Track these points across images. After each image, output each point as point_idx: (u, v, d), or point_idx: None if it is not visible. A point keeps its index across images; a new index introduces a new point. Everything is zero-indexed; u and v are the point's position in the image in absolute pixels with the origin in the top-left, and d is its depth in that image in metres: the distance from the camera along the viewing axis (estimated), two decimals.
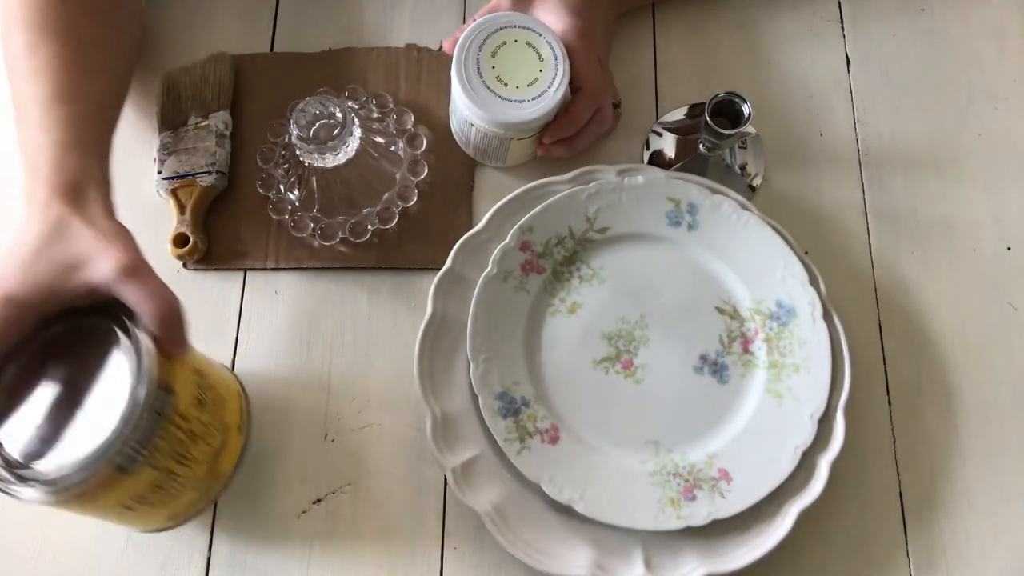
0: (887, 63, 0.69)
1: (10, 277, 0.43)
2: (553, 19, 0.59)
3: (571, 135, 0.60)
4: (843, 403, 0.56)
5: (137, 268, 0.44)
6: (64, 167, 0.47)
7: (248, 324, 0.61)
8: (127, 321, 0.44)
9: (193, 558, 0.55)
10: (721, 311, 0.60)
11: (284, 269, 0.62)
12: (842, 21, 0.70)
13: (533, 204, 0.60)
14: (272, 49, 0.69)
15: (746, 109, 0.58)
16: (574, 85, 0.58)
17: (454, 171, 0.64)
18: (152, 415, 0.43)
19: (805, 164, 0.66)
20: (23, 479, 0.41)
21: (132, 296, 0.44)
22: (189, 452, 0.47)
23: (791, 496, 0.55)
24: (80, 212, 0.46)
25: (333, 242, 0.61)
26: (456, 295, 0.59)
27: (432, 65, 0.67)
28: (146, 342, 0.43)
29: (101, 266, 0.43)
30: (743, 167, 0.65)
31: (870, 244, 0.64)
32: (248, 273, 0.62)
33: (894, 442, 0.59)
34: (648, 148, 0.65)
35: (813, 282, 0.59)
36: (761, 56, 0.69)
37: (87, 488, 0.42)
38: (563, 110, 0.58)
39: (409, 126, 0.65)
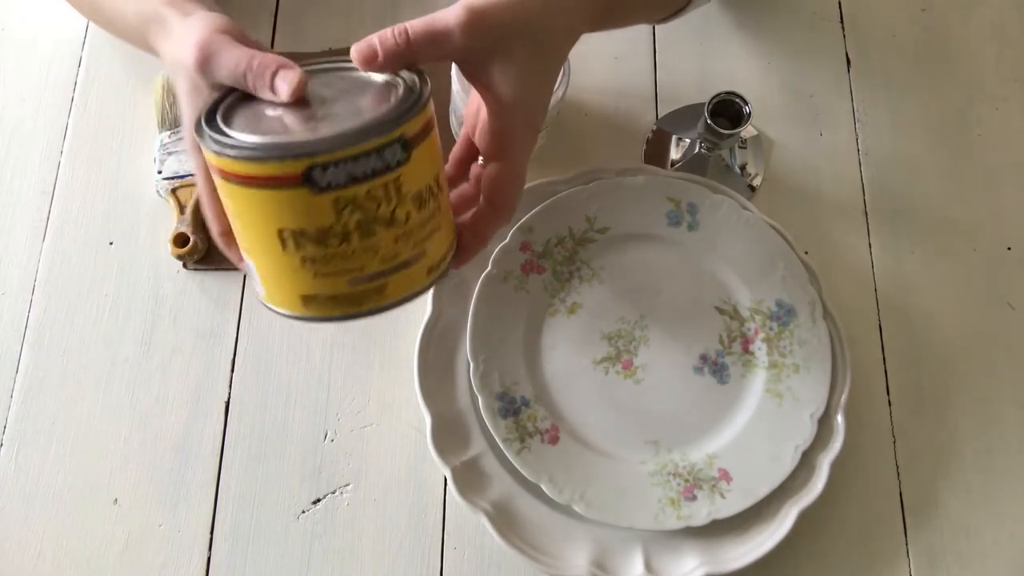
0: (887, 63, 0.69)
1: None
2: (507, 88, 0.46)
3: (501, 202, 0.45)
4: (843, 403, 0.56)
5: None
6: None
7: (248, 324, 0.61)
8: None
9: (193, 558, 0.55)
10: (721, 311, 0.60)
11: None
12: (842, 21, 0.70)
13: (533, 204, 0.60)
14: (272, 49, 0.68)
15: (746, 109, 0.58)
16: (497, 147, 0.45)
17: None
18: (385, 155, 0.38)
19: (805, 164, 0.66)
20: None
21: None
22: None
23: (791, 496, 0.55)
24: None
25: None
26: (456, 295, 0.59)
27: (432, 65, 0.67)
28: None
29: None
30: (743, 167, 0.65)
31: (870, 244, 0.64)
32: None
33: (894, 442, 0.59)
34: (648, 148, 0.65)
35: (813, 282, 0.59)
36: (761, 56, 0.69)
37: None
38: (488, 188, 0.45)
39: None
